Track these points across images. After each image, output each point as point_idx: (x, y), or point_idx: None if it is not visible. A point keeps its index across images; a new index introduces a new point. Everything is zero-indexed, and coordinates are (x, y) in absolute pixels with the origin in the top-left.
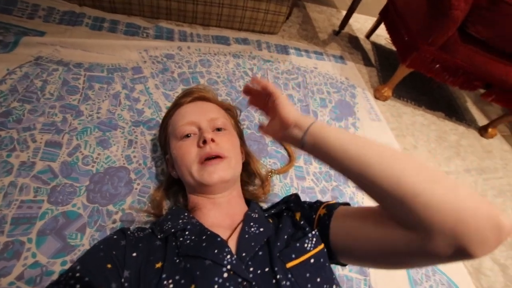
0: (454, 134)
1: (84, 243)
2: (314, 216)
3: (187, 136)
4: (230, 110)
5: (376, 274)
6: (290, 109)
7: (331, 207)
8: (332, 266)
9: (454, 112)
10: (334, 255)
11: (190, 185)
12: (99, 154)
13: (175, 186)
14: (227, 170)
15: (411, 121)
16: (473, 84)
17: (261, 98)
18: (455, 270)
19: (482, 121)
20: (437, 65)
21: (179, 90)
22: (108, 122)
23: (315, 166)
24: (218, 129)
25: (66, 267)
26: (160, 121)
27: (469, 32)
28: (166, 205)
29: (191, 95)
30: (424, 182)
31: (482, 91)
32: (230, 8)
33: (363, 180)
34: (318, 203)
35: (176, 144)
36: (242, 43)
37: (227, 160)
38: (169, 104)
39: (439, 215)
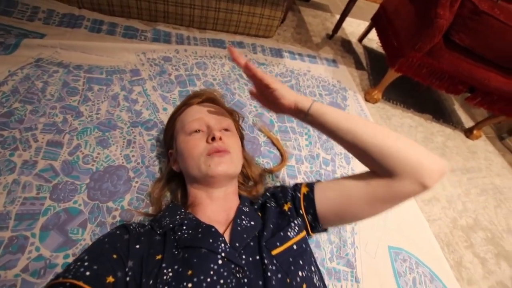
0: (441, 136)
1: (86, 237)
2: (299, 195)
3: (196, 131)
4: (233, 115)
5: (363, 267)
6: (289, 96)
7: (310, 185)
8: (320, 259)
9: (442, 115)
10: (320, 223)
11: (193, 177)
12: (98, 153)
13: (175, 180)
14: (231, 164)
15: (399, 123)
16: (458, 88)
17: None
18: (438, 263)
19: (468, 123)
20: (424, 70)
21: (176, 92)
22: (107, 122)
23: (306, 166)
24: (225, 130)
25: (69, 260)
26: (158, 122)
27: (453, 40)
28: (164, 202)
29: (201, 97)
30: (393, 141)
31: (467, 94)
32: (226, 12)
33: (352, 144)
34: (299, 184)
35: (184, 138)
36: (237, 47)
37: (231, 156)
38: (166, 106)
39: (406, 162)
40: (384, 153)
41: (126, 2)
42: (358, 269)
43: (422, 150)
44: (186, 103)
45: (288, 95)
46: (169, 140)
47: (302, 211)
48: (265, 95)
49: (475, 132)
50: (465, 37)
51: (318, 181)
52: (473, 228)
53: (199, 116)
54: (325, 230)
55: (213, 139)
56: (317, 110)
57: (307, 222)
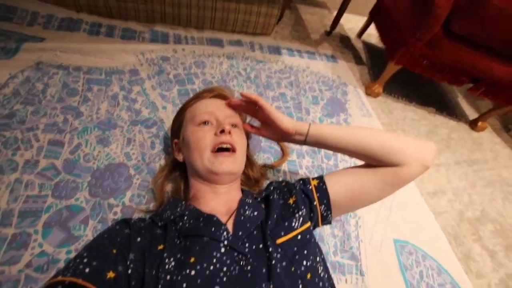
0: (445, 128)
1: (88, 233)
2: (310, 187)
3: (205, 123)
4: (241, 114)
5: (368, 260)
6: (286, 121)
7: (319, 177)
8: (324, 253)
9: (445, 107)
10: (331, 213)
11: (197, 170)
12: (99, 151)
13: (177, 171)
14: (235, 164)
15: (401, 116)
16: (460, 79)
17: (249, 107)
18: (445, 256)
19: (473, 115)
20: (425, 62)
21: (175, 90)
22: (107, 122)
23: (308, 160)
24: (233, 126)
25: (71, 255)
26: (157, 120)
27: (453, 29)
28: (166, 196)
29: (213, 92)
30: (391, 138)
31: (470, 85)
32: (223, 11)
33: (357, 151)
34: (306, 179)
35: (193, 128)
36: (235, 45)
37: (236, 156)
38: (165, 104)
39: (409, 153)
40: (388, 151)
41: (123, 4)
42: (363, 262)
43: (415, 140)
44: (198, 96)
45: (286, 120)
46: (176, 129)
47: (316, 202)
48: (267, 123)
49: (480, 123)
50: (465, 26)
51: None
52: (481, 221)
53: (210, 109)
54: (330, 222)
55: (222, 131)
56: (316, 130)
57: (319, 213)
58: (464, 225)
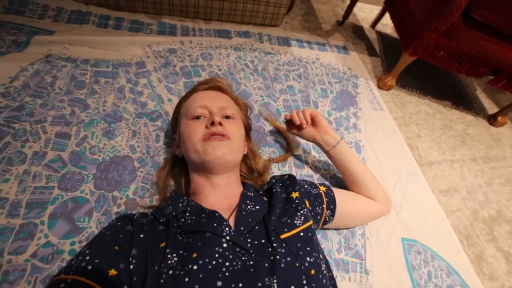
0: (461, 123)
1: (91, 225)
2: (319, 191)
3: (197, 118)
4: (240, 104)
5: (373, 258)
6: (327, 124)
7: (326, 185)
8: (328, 250)
9: (462, 101)
10: (333, 220)
11: (193, 162)
12: (105, 144)
13: (179, 167)
14: (229, 150)
15: (415, 110)
16: (480, 70)
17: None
18: (456, 256)
19: (492, 109)
20: (441, 52)
21: (181, 83)
22: (113, 114)
23: (314, 155)
24: (227, 117)
25: (75, 247)
26: (163, 112)
27: (474, 17)
28: (168, 191)
29: (208, 83)
30: (374, 183)
31: (490, 77)
32: (231, 2)
33: (353, 179)
34: (313, 183)
35: (186, 122)
36: (243, 36)
37: (230, 142)
38: (171, 97)
39: (382, 196)
40: (370, 190)
41: None
42: (368, 260)
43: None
44: (193, 89)
45: (327, 122)
46: (174, 124)
47: (324, 205)
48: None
49: (499, 118)
50: (487, 13)
51: None
52: (497, 221)
53: (202, 102)
54: (323, 228)
55: (212, 123)
56: (343, 147)
57: (324, 216)
58: (478, 225)
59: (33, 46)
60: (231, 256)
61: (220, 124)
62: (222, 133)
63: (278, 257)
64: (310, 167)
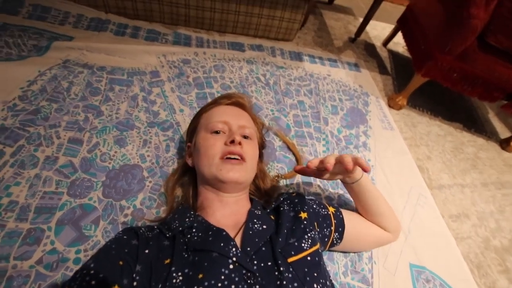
0: (472, 146)
1: (97, 234)
2: (328, 212)
3: (217, 132)
4: (258, 124)
5: (380, 284)
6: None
7: (336, 207)
8: (333, 273)
9: (474, 123)
10: (340, 242)
11: (205, 176)
12: (115, 152)
13: (188, 176)
14: (243, 173)
15: (426, 131)
16: (493, 95)
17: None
18: (466, 286)
19: (504, 133)
20: (455, 75)
21: (193, 94)
22: (126, 122)
23: None
24: (245, 137)
25: (80, 255)
26: (174, 123)
27: (489, 42)
28: (175, 201)
29: (230, 99)
30: (389, 216)
31: (504, 102)
32: (246, 15)
33: (369, 211)
34: (322, 203)
35: (204, 135)
36: (256, 50)
37: (245, 165)
38: (183, 107)
39: (394, 227)
40: (382, 222)
41: (149, 7)
42: (375, 286)
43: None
44: (216, 102)
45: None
46: (190, 133)
47: (332, 227)
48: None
49: None
50: (503, 39)
51: None
52: (509, 251)
53: (223, 118)
54: (330, 250)
55: (232, 142)
56: (365, 180)
57: (331, 238)
58: (490, 254)
59: (52, 51)
60: (237, 279)
61: (240, 143)
62: (240, 153)
63: (285, 282)
64: (319, 185)
